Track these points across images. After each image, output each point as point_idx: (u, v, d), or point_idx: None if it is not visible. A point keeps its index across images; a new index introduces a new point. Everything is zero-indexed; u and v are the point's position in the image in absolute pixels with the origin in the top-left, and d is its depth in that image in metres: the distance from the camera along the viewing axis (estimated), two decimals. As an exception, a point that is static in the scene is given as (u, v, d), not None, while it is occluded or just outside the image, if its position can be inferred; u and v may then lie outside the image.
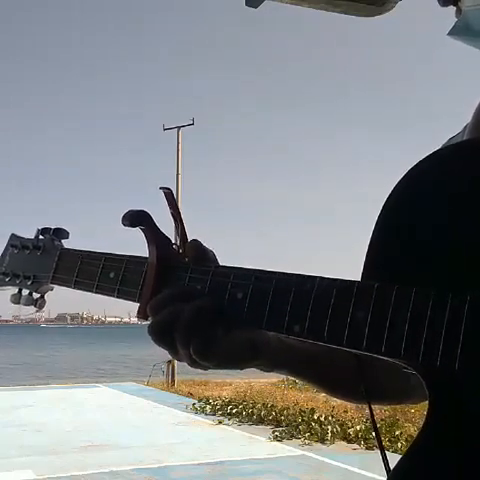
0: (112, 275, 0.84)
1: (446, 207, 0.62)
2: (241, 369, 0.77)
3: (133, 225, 0.76)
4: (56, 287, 0.99)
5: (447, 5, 0.87)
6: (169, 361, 18.32)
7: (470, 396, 0.57)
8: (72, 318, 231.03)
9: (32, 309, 1.03)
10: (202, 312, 0.72)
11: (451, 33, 0.86)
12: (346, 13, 1.05)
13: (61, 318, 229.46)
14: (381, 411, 10.45)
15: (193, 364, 0.74)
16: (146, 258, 0.78)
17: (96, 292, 0.86)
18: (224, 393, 14.83)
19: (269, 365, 0.79)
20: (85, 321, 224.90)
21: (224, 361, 0.73)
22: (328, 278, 0.66)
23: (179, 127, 22.08)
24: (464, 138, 0.85)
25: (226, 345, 0.72)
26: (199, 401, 13.79)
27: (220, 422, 11.57)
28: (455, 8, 0.88)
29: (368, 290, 0.62)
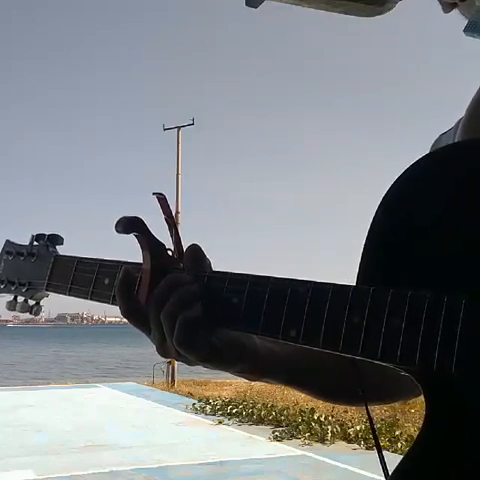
0: (107, 281, 0.84)
1: (442, 207, 0.62)
2: (226, 370, 0.76)
3: (127, 232, 0.75)
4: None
5: (451, 10, 0.84)
6: (169, 361, 18.32)
7: (468, 398, 0.57)
8: (72, 318, 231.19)
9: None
10: (188, 296, 0.72)
11: (467, 30, 0.81)
12: (346, 13, 1.04)
13: (61, 318, 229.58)
14: (381, 411, 10.45)
15: (178, 356, 0.73)
16: (141, 264, 0.78)
17: (91, 299, 0.86)
18: (224, 393, 14.84)
19: (255, 371, 0.78)
20: (85, 321, 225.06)
21: (208, 357, 0.72)
22: (323, 282, 0.66)
23: (179, 127, 22.09)
24: (457, 133, 0.85)
25: (213, 340, 0.72)
26: (199, 401, 13.80)
27: (220, 422, 11.58)
28: (457, 7, 0.86)
29: (363, 294, 0.62)
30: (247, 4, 1.11)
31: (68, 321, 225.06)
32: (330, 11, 1.05)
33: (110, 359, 39.96)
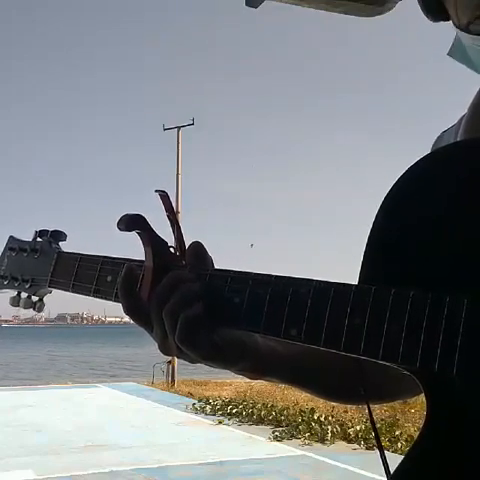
0: (109, 279, 0.84)
1: (443, 207, 0.62)
2: (228, 368, 0.75)
3: (129, 229, 0.75)
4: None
5: (438, 21, 0.84)
6: (169, 361, 18.31)
7: (469, 399, 0.57)
8: (72, 318, 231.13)
9: (31, 311, 1.03)
10: (190, 294, 0.72)
11: (450, 54, 0.84)
12: (346, 13, 1.04)
13: (61, 318, 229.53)
14: (381, 411, 10.45)
15: (180, 354, 0.73)
16: (143, 261, 0.78)
17: (94, 296, 0.86)
18: (224, 393, 14.83)
19: (257, 370, 0.78)
20: (85, 321, 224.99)
21: (210, 354, 0.72)
22: (325, 281, 0.65)
23: (179, 127, 22.07)
24: (460, 130, 0.84)
25: (215, 338, 0.72)
26: (199, 401, 13.79)
27: (220, 422, 11.57)
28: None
29: (365, 294, 0.62)
30: (247, 4, 1.11)
31: (68, 321, 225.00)
32: (330, 11, 1.05)
33: (104, 359, 39.80)
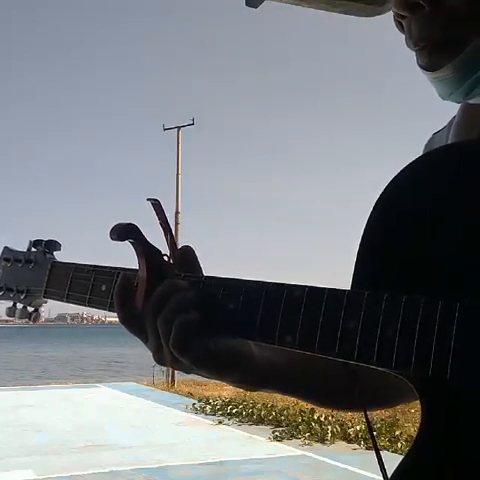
0: (104, 288, 0.84)
1: (435, 209, 0.62)
2: (222, 378, 0.75)
3: (121, 239, 0.75)
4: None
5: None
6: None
7: (463, 402, 0.57)
8: (72, 318, 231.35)
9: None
10: (185, 302, 0.71)
11: None
12: (346, 13, 1.05)
13: (61, 318, 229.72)
14: (381, 411, 10.45)
15: (174, 363, 0.73)
16: (138, 270, 0.78)
17: (88, 305, 0.86)
18: (224, 393, 14.82)
19: (251, 380, 0.77)
20: (85, 321, 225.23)
21: (204, 361, 0.71)
22: (318, 287, 0.65)
23: (179, 127, 22.06)
24: (451, 132, 0.85)
25: (209, 344, 0.71)
26: (199, 401, 13.79)
27: (220, 422, 11.57)
28: None
29: (358, 298, 0.62)
30: (247, 4, 1.12)
31: (68, 321, 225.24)
32: (330, 11, 1.05)
33: (95, 359, 39.66)
